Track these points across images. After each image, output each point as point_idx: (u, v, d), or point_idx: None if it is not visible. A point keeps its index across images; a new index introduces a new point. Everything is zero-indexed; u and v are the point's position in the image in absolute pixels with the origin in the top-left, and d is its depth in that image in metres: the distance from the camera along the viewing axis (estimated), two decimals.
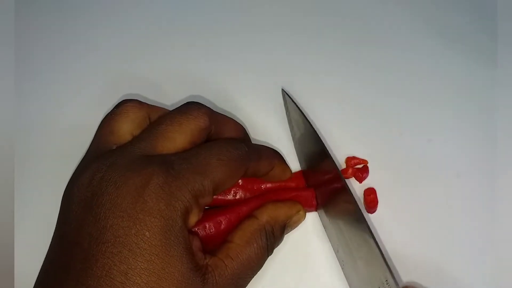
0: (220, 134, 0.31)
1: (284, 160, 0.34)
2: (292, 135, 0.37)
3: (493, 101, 0.40)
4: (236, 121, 0.33)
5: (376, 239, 0.28)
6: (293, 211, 0.31)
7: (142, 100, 0.30)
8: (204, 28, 0.43)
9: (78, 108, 0.40)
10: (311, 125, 0.34)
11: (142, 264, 0.23)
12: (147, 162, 0.26)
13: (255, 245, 0.28)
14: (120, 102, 0.30)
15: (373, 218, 0.35)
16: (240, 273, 0.27)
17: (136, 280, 0.23)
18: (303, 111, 0.35)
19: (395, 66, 0.41)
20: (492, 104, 0.40)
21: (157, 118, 0.29)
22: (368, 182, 0.36)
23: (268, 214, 0.30)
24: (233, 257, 0.27)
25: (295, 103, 0.36)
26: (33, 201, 0.36)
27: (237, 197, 0.32)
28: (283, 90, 0.38)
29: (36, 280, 0.25)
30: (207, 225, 0.29)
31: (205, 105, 0.30)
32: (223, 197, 0.32)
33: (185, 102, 0.30)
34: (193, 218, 0.26)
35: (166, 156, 0.26)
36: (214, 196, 0.28)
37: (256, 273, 0.29)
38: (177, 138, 0.27)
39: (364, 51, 0.42)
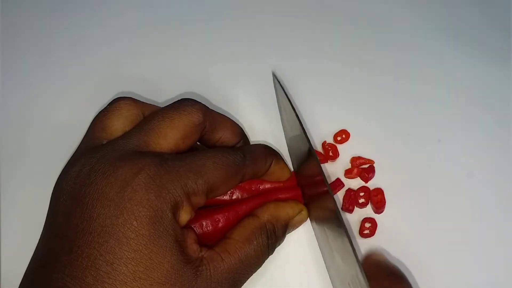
0: (215, 132, 0.30)
1: (282, 159, 0.33)
2: (284, 130, 0.37)
3: (504, 101, 0.39)
4: (233, 121, 0.33)
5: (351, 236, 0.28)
6: (295, 211, 0.31)
7: (136, 99, 0.30)
8: (198, 25, 0.43)
9: (69, 107, 0.40)
10: (296, 114, 0.32)
11: (129, 253, 0.23)
12: (139, 155, 0.25)
13: (254, 242, 0.28)
14: (114, 99, 0.29)
15: (380, 219, 0.34)
16: (237, 269, 0.27)
17: (122, 270, 0.23)
18: (290, 98, 0.34)
19: (404, 65, 0.40)
20: (503, 104, 0.39)
21: (150, 114, 0.29)
22: (376, 183, 0.35)
23: (269, 213, 0.30)
24: (230, 252, 0.27)
25: (283, 89, 0.35)
26: (20, 200, 0.36)
27: (234, 197, 0.31)
28: (273, 74, 0.37)
29: (24, 274, 0.25)
30: (204, 223, 0.29)
31: (200, 102, 0.29)
32: (220, 198, 0.31)
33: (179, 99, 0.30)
34: (184, 216, 0.26)
35: (160, 152, 0.26)
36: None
37: (255, 271, 0.28)
38: (168, 134, 0.27)
39: (372, 52, 0.41)
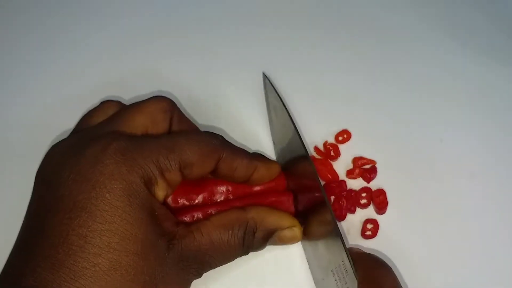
0: (181, 124, 0.31)
1: (267, 159, 0.32)
2: (270, 125, 0.37)
3: (506, 101, 0.39)
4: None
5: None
6: (284, 223, 0.30)
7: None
8: (194, 30, 0.43)
9: (59, 109, 0.39)
10: (288, 114, 0.32)
11: (103, 225, 0.23)
12: (109, 135, 0.26)
13: (230, 232, 0.27)
14: (103, 101, 0.31)
15: (382, 219, 0.34)
16: (207, 251, 0.26)
17: (96, 242, 0.22)
18: (282, 99, 0.33)
19: (406, 64, 0.40)
20: (505, 104, 0.39)
21: (123, 106, 0.30)
22: (378, 183, 0.35)
23: (256, 212, 0.29)
24: (203, 233, 0.26)
25: (275, 90, 0.34)
26: (14, 199, 0.35)
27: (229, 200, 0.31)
28: (264, 74, 0.36)
29: (5, 263, 0.25)
30: (195, 215, 0.29)
31: (167, 97, 0.30)
32: (214, 199, 0.31)
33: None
34: (160, 192, 0.26)
35: (131, 133, 0.27)
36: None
37: (225, 261, 0.28)
38: (136, 118, 0.28)
39: (374, 52, 0.41)
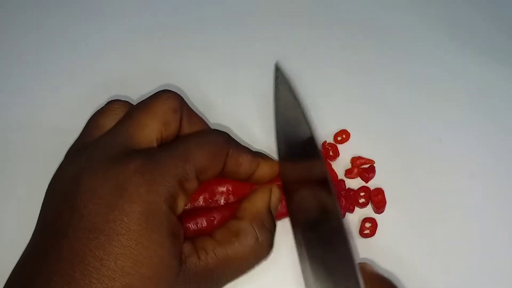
0: (191, 124, 0.31)
1: (268, 157, 0.33)
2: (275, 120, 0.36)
3: (505, 101, 0.38)
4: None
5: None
6: (267, 194, 0.31)
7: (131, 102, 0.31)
8: (199, 29, 0.42)
9: (63, 109, 0.39)
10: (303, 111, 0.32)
11: (119, 249, 0.23)
12: (126, 155, 0.26)
13: (236, 244, 0.27)
14: (110, 101, 0.30)
15: (381, 219, 0.34)
16: (214, 269, 0.26)
17: (111, 265, 0.23)
18: (296, 93, 0.33)
19: (405, 64, 0.40)
20: (504, 104, 0.38)
21: (131, 107, 0.30)
22: (377, 183, 0.35)
23: (249, 211, 0.29)
24: (207, 251, 0.26)
25: (288, 82, 0.34)
26: (13, 201, 0.36)
27: (230, 202, 0.31)
28: (276, 65, 0.36)
29: (12, 270, 0.25)
30: (199, 221, 0.28)
31: (175, 92, 0.30)
32: (215, 204, 0.31)
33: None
34: (180, 203, 0.26)
35: (146, 149, 0.27)
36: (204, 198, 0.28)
37: (245, 272, 0.28)
38: (149, 124, 0.28)
39: (373, 52, 0.41)
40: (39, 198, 0.27)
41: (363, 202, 0.34)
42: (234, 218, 0.29)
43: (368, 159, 0.35)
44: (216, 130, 0.30)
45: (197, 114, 0.32)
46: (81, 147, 0.28)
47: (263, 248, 0.29)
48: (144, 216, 0.24)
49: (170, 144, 0.28)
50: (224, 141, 0.29)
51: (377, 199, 0.34)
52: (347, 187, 0.35)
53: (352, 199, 0.34)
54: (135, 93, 0.38)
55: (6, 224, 0.35)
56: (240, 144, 0.31)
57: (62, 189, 0.25)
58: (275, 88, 0.36)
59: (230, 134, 0.31)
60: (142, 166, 0.25)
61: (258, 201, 0.30)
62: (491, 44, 0.41)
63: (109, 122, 0.29)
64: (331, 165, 0.36)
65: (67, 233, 0.23)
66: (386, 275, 0.30)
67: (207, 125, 0.33)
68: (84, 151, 0.27)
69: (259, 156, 0.31)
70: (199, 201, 0.30)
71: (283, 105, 0.35)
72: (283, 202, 0.32)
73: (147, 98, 0.30)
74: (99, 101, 0.36)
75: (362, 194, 0.34)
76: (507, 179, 0.35)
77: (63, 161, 0.28)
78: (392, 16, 0.43)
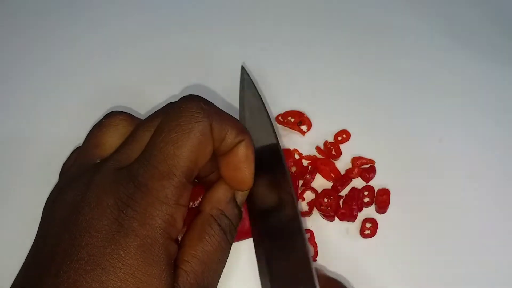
0: (222, 131, 0.28)
1: (252, 145, 0.29)
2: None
3: (505, 101, 0.39)
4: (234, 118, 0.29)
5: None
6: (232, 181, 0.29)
7: (132, 114, 0.29)
8: (191, 26, 0.43)
9: (63, 118, 0.39)
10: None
11: (115, 283, 0.23)
12: (116, 180, 0.25)
13: (206, 237, 0.27)
14: (109, 113, 0.28)
15: (381, 219, 0.34)
16: (203, 272, 0.26)
17: None
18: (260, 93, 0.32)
19: (405, 65, 0.40)
20: (504, 104, 0.38)
21: (137, 124, 0.28)
22: (376, 183, 0.35)
23: (208, 201, 0.28)
24: (189, 260, 0.26)
25: (254, 85, 0.32)
26: (14, 210, 0.36)
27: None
28: (243, 68, 0.34)
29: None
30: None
31: (200, 99, 0.26)
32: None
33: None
34: (179, 220, 0.25)
35: (132, 167, 0.25)
36: None
37: (222, 266, 0.28)
38: (180, 160, 0.25)
39: (373, 52, 0.41)
40: (37, 205, 0.27)
41: (368, 201, 0.34)
42: (197, 214, 0.28)
43: (369, 159, 0.36)
44: (186, 104, 0.26)
45: (226, 113, 0.28)
46: (83, 169, 0.26)
47: (229, 236, 0.28)
48: (140, 250, 0.23)
49: (148, 154, 0.25)
50: (203, 116, 0.25)
51: (382, 199, 0.34)
52: (349, 187, 0.35)
53: (357, 198, 0.34)
54: (134, 99, 0.38)
55: (4, 226, 0.35)
56: (221, 110, 0.27)
57: (62, 213, 0.25)
58: (241, 90, 0.35)
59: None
60: (129, 196, 0.24)
61: (219, 191, 0.29)
62: (491, 44, 0.41)
63: (110, 140, 0.27)
64: (334, 164, 0.36)
65: (64, 261, 0.23)
66: (334, 276, 0.31)
67: (237, 121, 0.28)
68: (84, 175, 0.26)
69: (244, 132, 0.28)
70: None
71: (248, 109, 0.34)
72: (245, 222, 0.31)
73: (169, 118, 0.26)
74: (101, 109, 0.37)
75: (366, 193, 0.34)
76: (507, 179, 0.35)
77: (63, 179, 0.27)
78: (392, 16, 0.43)
